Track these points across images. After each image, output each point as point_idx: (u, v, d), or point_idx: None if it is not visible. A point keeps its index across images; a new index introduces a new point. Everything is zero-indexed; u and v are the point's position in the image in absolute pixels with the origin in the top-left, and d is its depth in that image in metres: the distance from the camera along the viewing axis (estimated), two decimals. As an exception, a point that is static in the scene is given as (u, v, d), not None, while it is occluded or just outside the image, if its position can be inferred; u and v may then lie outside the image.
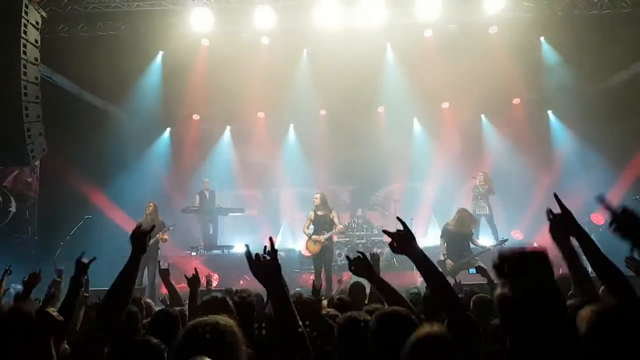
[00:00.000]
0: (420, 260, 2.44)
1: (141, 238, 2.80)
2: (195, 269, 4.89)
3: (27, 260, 11.10)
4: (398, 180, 14.53)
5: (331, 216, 10.02)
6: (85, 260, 3.64)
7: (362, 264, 3.42)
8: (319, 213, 10.05)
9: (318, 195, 10.19)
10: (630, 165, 12.23)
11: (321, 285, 5.95)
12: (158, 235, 10.14)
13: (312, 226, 10.07)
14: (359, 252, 3.26)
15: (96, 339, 2.58)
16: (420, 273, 2.49)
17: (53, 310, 2.68)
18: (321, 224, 9.98)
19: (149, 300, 5.79)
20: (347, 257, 3.38)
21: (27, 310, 2.05)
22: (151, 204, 10.70)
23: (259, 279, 2.29)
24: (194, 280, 4.66)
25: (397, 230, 2.53)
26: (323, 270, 9.87)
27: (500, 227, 12.39)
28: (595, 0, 11.75)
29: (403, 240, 2.46)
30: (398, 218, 2.78)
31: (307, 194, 14.63)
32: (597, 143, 12.54)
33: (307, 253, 10.22)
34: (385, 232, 2.61)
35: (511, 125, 13.88)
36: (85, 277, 3.78)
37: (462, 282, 7.90)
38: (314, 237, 9.93)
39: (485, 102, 13.55)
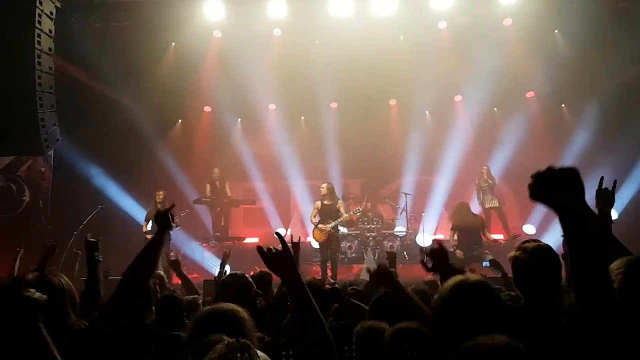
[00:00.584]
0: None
1: (165, 216, 2.91)
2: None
3: (41, 250, 11.26)
4: (409, 173, 14.46)
5: (337, 206, 10.22)
6: (92, 239, 3.71)
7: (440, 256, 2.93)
8: (326, 202, 10.24)
9: (325, 185, 10.39)
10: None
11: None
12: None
13: (318, 216, 10.23)
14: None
15: (112, 310, 2.61)
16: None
17: (33, 292, 2.64)
18: (328, 213, 10.14)
19: (161, 273, 5.78)
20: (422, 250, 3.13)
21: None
22: (160, 192, 10.74)
23: (274, 271, 2.29)
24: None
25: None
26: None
27: (513, 221, 12.33)
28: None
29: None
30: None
31: (318, 187, 14.66)
32: (611, 138, 12.39)
33: (314, 242, 10.29)
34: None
35: (525, 118, 13.74)
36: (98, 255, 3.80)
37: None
38: (320, 225, 10.10)
39: (499, 95, 13.42)
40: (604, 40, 11.64)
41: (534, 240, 3.12)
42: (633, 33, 11.21)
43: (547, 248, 2.92)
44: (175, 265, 5.64)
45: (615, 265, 1.92)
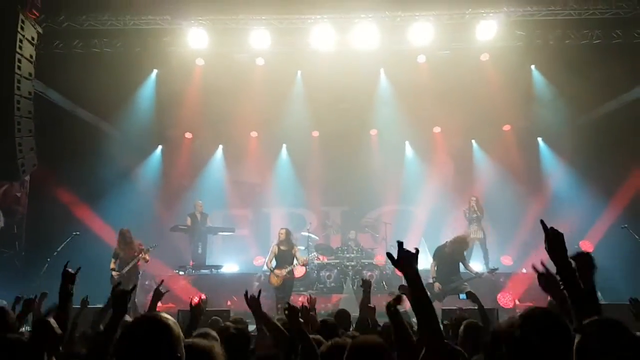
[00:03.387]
0: (414, 281, 2.47)
1: (122, 298, 2.83)
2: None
3: (14, 276, 11.00)
4: (389, 202, 14.57)
5: (293, 252, 10.53)
6: (71, 270, 3.61)
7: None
8: (282, 248, 10.52)
9: (284, 231, 10.67)
10: (619, 194, 12.32)
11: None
12: (140, 255, 10.02)
13: (274, 260, 10.53)
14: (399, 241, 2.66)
15: None
16: (410, 293, 2.50)
17: (53, 323, 2.65)
18: (284, 258, 10.44)
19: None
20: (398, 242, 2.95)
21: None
22: (125, 229, 10.36)
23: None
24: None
25: (404, 250, 2.55)
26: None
27: (490, 252, 12.43)
28: (586, 30, 11.97)
29: (407, 259, 2.51)
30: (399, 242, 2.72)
31: (299, 215, 14.68)
32: (587, 171, 12.66)
33: (271, 284, 10.54)
34: (398, 242, 2.61)
35: (502, 151, 13.99)
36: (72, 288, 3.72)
37: (451, 307, 7.93)
38: (276, 271, 10.38)
39: (476, 127, 13.71)
40: (579, 75, 11.94)
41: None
42: (608, 69, 11.55)
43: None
44: (156, 297, 5.35)
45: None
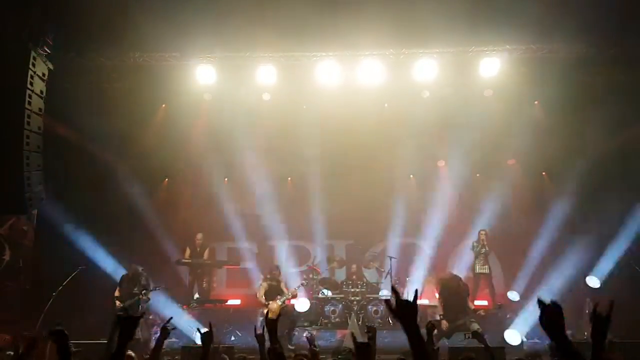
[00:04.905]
0: (413, 334, 2.44)
1: (128, 325, 2.88)
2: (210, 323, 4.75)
3: (18, 310, 10.97)
4: (394, 236, 14.54)
5: (281, 286, 11.43)
6: (59, 327, 3.65)
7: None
8: (272, 283, 11.32)
9: (274, 266, 11.92)
10: (624, 229, 12.28)
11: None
12: (141, 297, 10.04)
13: (264, 295, 11.13)
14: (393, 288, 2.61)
15: None
16: (411, 348, 2.47)
17: None
18: (274, 292, 11.21)
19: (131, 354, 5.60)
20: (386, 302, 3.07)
21: None
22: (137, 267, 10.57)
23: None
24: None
25: (404, 301, 2.52)
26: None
27: (497, 287, 12.38)
28: (589, 68, 12.11)
29: (406, 309, 2.48)
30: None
31: (303, 248, 14.67)
32: (591, 206, 12.65)
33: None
34: (394, 290, 2.58)
35: (506, 186, 14.02)
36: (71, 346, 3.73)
37: (458, 346, 7.86)
38: (271, 305, 10.89)
39: (481, 161, 13.77)
40: (583, 110, 12.08)
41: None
42: (611, 104, 11.67)
43: None
44: (163, 334, 5.32)
45: None
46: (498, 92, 12.74)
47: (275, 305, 10.78)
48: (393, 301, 2.46)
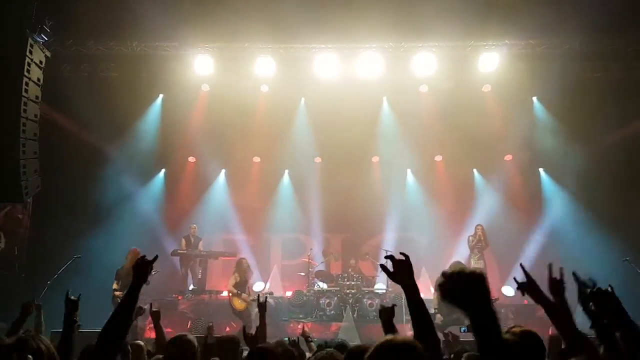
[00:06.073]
0: (413, 293, 2.47)
1: (144, 267, 2.88)
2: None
3: (13, 298, 10.93)
4: (390, 230, 14.53)
5: (248, 284, 11.08)
6: (73, 297, 3.63)
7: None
8: (242, 277, 10.87)
9: (245, 260, 11.29)
10: (621, 226, 12.29)
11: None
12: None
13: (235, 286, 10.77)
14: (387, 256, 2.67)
15: None
16: (409, 309, 2.48)
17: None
18: (241, 286, 10.78)
19: (140, 343, 5.61)
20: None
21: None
22: (136, 249, 10.41)
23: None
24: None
25: (399, 260, 2.53)
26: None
27: (493, 282, 12.35)
28: (587, 63, 12.12)
29: (404, 269, 2.49)
30: (392, 257, 2.63)
31: (299, 241, 14.66)
32: (588, 202, 12.65)
33: (234, 308, 10.75)
34: (387, 257, 2.59)
35: (503, 181, 14.03)
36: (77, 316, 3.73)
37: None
38: (244, 296, 10.62)
39: (478, 157, 13.77)
40: (581, 107, 12.08)
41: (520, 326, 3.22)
42: (608, 101, 11.67)
43: (533, 333, 3.04)
44: (154, 317, 5.44)
45: None
46: (496, 87, 12.74)
47: (247, 298, 10.60)
48: (389, 265, 2.52)
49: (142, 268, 2.88)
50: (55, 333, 7.04)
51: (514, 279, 3.02)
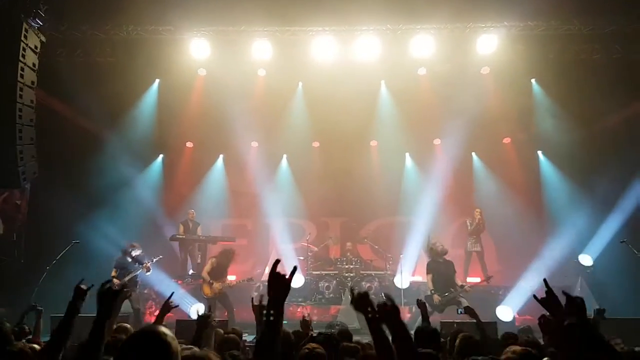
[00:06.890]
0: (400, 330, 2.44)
1: (109, 299, 2.65)
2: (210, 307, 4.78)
3: (12, 283, 10.99)
4: (389, 214, 14.56)
5: (226, 272, 10.77)
6: (84, 286, 3.60)
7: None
8: (220, 263, 10.67)
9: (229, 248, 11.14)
10: (618, 208, 12.31)
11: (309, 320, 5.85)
12: (143, 267, 10.00)
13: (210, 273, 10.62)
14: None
15: None
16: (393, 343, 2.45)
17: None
18: (218, 273, 10.60)
19: (127, 326, 5.61)
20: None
21: None
22: (135, 244, 10.42)
23: (272, 290, 2.38)
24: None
25: (384, 303, 2.52)
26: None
27: (490, 266, 12.45)
28: (586, 45, 12.05)
29: (388, 313, 2.48)
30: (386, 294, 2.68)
31: (298, 225, 14.68)
32: (586, 184, 12.65)
33: (204, 294, 10.66)
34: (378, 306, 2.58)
35: (501, 164, 14.02)
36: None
37: (449, 320, 7.93)
38: (215, 284, 10.47)
39: (476, 140, 13.73)
40: (579, 89, 12.03)
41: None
42: (607, 83, 11.61)
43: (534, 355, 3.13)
44: (164, 309, 5.30)
45: None
46: (495, 69, 12.68)
47: (217, 285, 10.49)
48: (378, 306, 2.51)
49: (105, 298, 2.64)
50: (55, 318, 7.10)
51: (534, 296, 3.07)
